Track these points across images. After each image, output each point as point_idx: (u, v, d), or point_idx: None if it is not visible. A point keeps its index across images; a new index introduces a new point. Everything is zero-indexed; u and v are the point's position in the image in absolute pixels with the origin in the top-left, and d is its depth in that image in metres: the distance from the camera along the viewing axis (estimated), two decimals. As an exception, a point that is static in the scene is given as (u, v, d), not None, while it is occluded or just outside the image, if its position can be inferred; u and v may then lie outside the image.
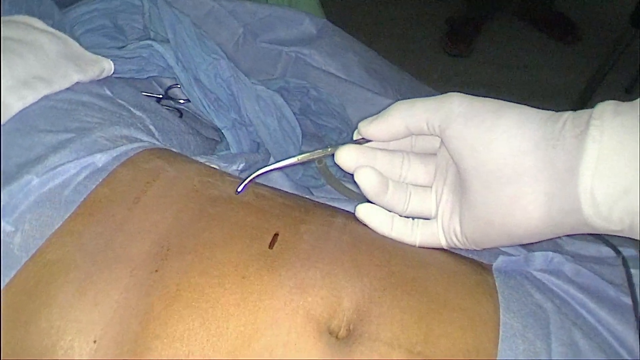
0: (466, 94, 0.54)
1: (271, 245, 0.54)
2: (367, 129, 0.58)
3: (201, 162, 0.67)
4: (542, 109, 0.50)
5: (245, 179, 0.60)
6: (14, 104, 0.60)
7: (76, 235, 0.53)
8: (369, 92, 1.04)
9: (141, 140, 0.64)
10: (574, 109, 0.49)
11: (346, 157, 0.58)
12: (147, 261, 0.52)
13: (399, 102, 0.57)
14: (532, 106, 0.51)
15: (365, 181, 0.57)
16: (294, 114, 0.86)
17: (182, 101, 0.89)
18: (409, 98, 0.55)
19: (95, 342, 0.49)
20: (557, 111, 0.50)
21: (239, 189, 0.59)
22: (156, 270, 0.52)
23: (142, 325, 0.49)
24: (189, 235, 0.54)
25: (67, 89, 0.65)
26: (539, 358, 0.50)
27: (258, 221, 0.56)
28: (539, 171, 0.48)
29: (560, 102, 1.76)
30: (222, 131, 0.81)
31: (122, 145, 0.61)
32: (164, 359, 0.48)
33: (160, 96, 0.88)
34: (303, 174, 0.87)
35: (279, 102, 0.83)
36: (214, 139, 0.92)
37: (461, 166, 0.53)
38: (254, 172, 0.60)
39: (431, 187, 0.61)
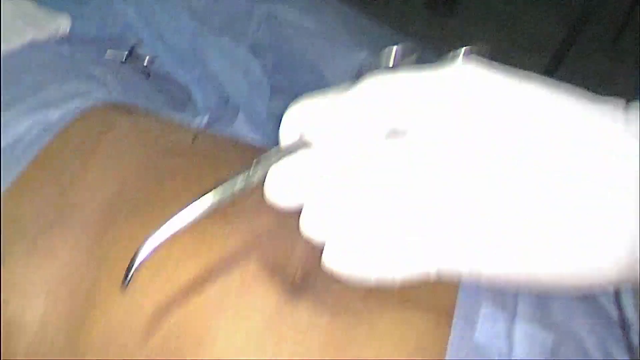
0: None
1: None
2: None
3: (159, 115, 0.66)
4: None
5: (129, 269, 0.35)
6: None
7: (29, 191, 0.53)
8: (344, 47, 1.03)
9: (96, 96, 0.63)
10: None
11: None
12: (100, 216, 0.52)
13: None
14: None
15: None
16: (267, 70, 0.85)
17: (148, 59, 0.87)
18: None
19: (48, 295, 0.49)
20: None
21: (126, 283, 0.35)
22: (109, 225, 0.51)
23: (95, 278, 0.49)
24: (141, 190, 0.54)
25: (23, 47, 0.64)
26: None
27: (212, 172, 0.55)
28: None
29: (545, 54, 1.74)
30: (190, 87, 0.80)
31: (75, 99, 0.60)
32: (118, 309, 0.48)
33: (125, 54, 0.87)
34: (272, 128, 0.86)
35: (244, 56, 0.81)
36: (184, 98, 0.91)
37: None
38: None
39: None
